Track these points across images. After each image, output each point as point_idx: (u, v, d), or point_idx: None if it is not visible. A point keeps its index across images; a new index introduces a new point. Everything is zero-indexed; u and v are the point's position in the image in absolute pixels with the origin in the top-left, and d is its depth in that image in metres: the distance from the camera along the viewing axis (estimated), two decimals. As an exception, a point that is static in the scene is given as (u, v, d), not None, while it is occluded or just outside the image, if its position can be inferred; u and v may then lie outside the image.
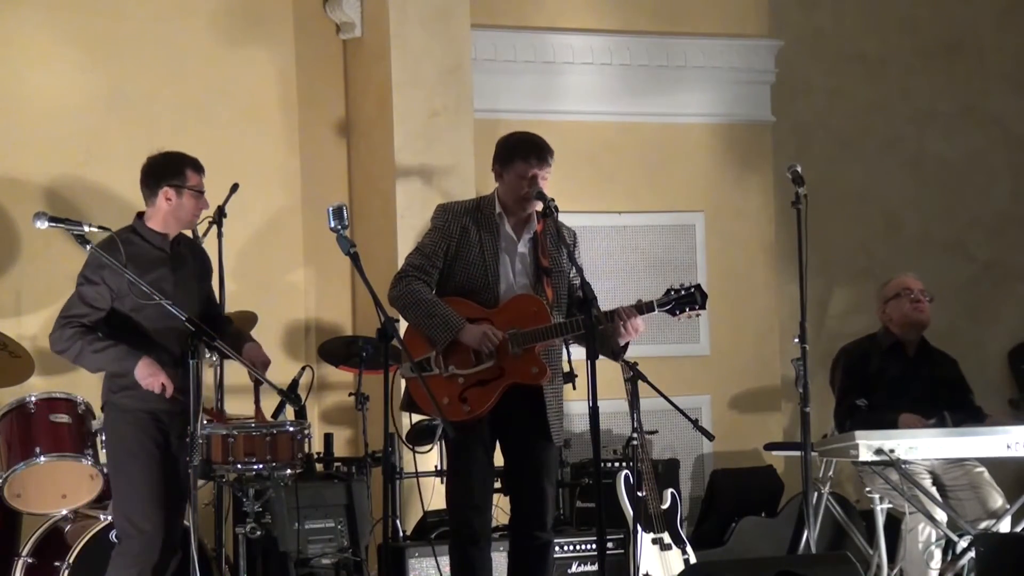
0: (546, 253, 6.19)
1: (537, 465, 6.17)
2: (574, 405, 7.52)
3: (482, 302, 6.12)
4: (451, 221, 6.16)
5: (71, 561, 6.66)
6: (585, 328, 5.84)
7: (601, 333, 5.97)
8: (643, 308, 6.12)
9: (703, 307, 6.18)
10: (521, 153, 6.13)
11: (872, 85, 10.08)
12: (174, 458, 6.04)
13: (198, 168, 6.16)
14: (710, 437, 6.56)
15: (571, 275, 6.25)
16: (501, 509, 7.15)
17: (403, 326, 6.12)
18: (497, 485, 6.72)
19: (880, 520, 7.63)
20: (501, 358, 6.06)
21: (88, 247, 5.85)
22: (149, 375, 5.91)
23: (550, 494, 6.27)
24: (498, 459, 6.30)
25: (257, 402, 6.35)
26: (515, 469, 6.22)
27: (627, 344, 6.21)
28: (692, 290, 6.15)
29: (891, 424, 7.42)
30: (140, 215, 6.14)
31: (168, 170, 6.10)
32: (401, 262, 8.03)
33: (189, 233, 6.49)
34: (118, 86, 8.21)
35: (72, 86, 8.14)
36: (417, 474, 7.53)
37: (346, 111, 8.70)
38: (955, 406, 7.66)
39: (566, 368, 6.23)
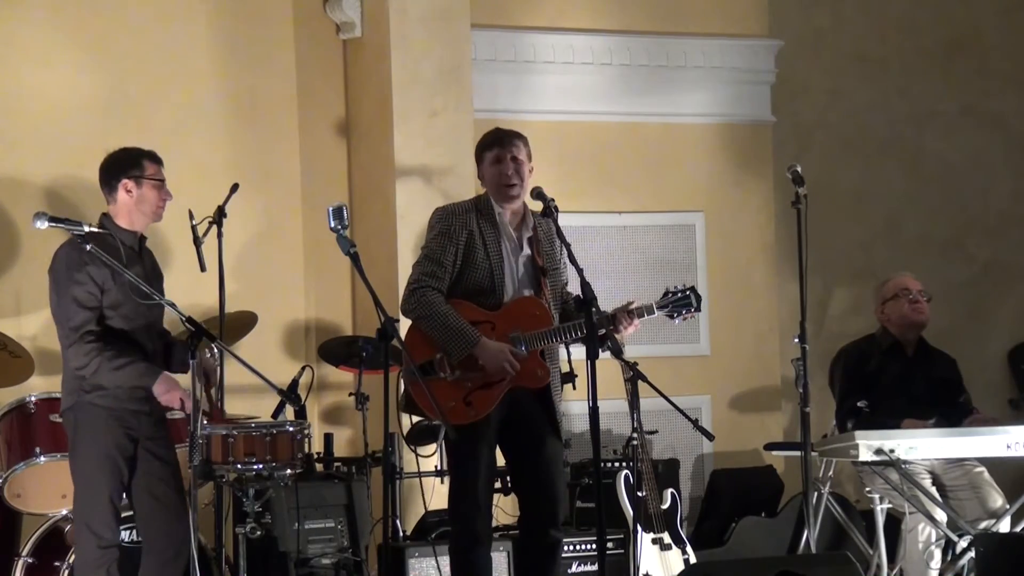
0: (541, 252, 6.21)
1: (549, 461, 6.16)
2: (574, 405, 7.53)
3: (486, 305, 6.13)
4: (456, 224, 6.14)
5: (71, 561, 6.64)
6: (586, 329, 5.86)
7: (605, 334, 6.01)
8: (643, 313, 6.20)
9: (698, 309, 6.28)
10: (486, 145, 6.27)
11: (872, 85, 10.07)
12: (143, 463, 6.01)
13: (155, 159, 6.15)
14: (710, 437, 6.55)
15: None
16: (501, 509, 7.15)
17: (403, 327, 6.12)
18: (496, 485, 6.71)
19: (880, 520, 7.63)
20: None
21: (89, 247, 5.84)
22: (167, 391, 5.93)
23: (563, 491, 6.30)
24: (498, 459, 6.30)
25: (207, 402, 6.37)
26: (525, 466, 6.19)
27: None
28: (688, 292, 6.26)
29: (894, 428, 7.42)
30: (105, 215, 6.13)
31: (125, 163, 6.09)
32: (401, 262, 8.08)
33: (189, 230, 6.49)
34: (118, 86, 8.20)
35: (72, 86, 8.13)
36: (418, 474, 7.53)
37: (346, 111, 8.69)
38: (949, 406, 7.67)
39: (565, 368, 6.24)
